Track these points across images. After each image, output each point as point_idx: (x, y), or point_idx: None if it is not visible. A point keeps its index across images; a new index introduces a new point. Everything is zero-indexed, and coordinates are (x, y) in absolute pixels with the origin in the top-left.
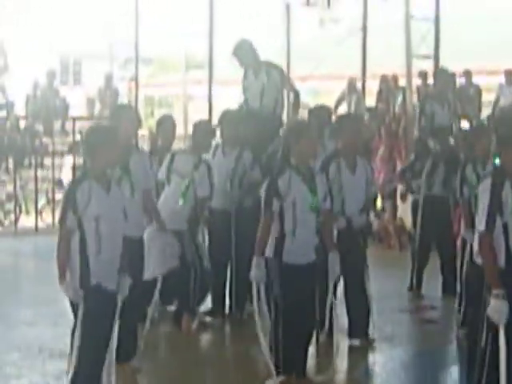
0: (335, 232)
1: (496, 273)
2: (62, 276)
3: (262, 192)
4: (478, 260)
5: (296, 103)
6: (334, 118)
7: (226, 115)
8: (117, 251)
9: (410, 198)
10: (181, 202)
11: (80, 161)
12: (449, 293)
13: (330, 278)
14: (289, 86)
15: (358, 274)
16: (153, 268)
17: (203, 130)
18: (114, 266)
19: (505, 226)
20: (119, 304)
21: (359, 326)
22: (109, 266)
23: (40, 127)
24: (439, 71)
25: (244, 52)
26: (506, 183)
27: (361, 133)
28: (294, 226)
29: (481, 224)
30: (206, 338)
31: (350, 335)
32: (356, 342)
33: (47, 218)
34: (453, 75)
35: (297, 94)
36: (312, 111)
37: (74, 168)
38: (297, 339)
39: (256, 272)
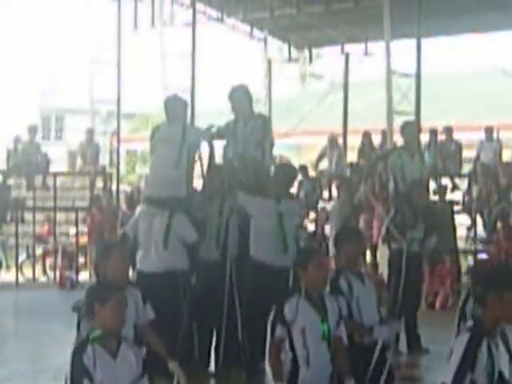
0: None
1: None
2: None
3: (270, 318)
4: None
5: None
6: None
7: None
8: None
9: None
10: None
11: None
12: (415, 349)
13: None
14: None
15: None
16: None
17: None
18: None
19: (473, 383)
20: None
21: None
22: None
23: (21, 182)
24: (405, 123)
25: (239, 98)
26: (483, 342)
27: (363, 246)
28: (306, 356)
29: (448, 377)
30: None
31: None
32: None
33: (27, 273)
34: (434, 131)
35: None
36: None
37: (76, 236)
38: None
39: None
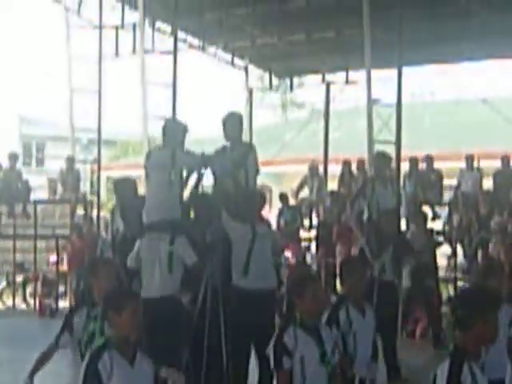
0: None
1: None
2: None
3: (270, 349)
4: None
5: None
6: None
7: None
8: None
9: None
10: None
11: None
12: (395, 379)
13: None
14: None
15: None
16: None
17: None
18: None
19: None
20: None
21: None
22: None
23: (1, 209)
24: (377, 154)
25: (232, 125)
26: (464, 366)
27: (366, 276)
28: None
29: None
30: None
31: None
32: None
33: (7, 301)
34: (415, 160)
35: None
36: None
37: (57, 264)
38: None
39: None
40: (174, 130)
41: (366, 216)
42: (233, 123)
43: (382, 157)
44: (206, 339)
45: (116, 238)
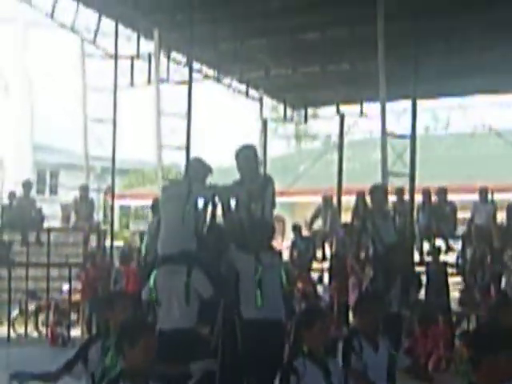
0: None
1: None
2: None
3: (279, 373)
4: None
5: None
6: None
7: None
8: None
9: None
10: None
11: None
12: None
13: None
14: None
15: None
16: None
17: None
18: None
19: None
20: None
21: None
22: None
23: (15, 237)
24: (374, 187)
25: (246, 158)
26: None
27: (382, 311)
28: None
29: None
30: None
31: None
32: None
33: (19, 329)
34: (428, 192)
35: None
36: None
37: (69, 292)
38: None
39: None
40: (197, 169)
41: (371, 251)
42: (246, 156)
43: (380, 190)
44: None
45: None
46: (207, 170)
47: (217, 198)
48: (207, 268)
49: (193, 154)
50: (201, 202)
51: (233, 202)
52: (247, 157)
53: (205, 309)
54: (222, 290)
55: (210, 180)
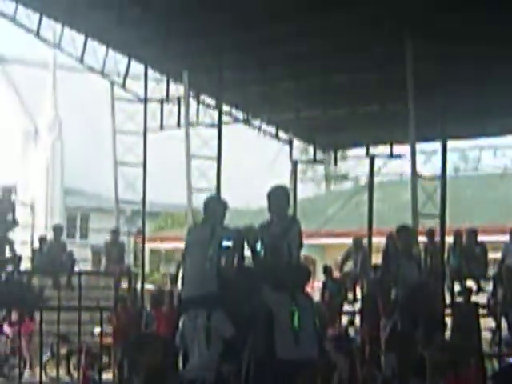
0: None
1: None
2: None
3: None
4: None
5: None
6: None
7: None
8: None
9: None
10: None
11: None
12: None
13: None
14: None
15: None
16: None
17: None
18: None
19: None
20: None
21: None
22: None
23: (46, 281)
24: (400, 228)
25: (278, 199)
26: None
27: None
28: None
29: None
30: None
31: None
32: None
33: (51, 372)
34: (459, 233)
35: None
36: None
37: (101, 335)
38: None
39: None
40: (215, 207)
41: (393, 294)
42: (278, 197)
43: (406, 230)
44: None
45: None
46: (223, 206)
47: (244, 240)
48: (231, 308)
49: (223, 196)
50: (228, 243)
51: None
52: (279, 196)
53: (228, 349)
54: (249, 329)
55: (233, 220)
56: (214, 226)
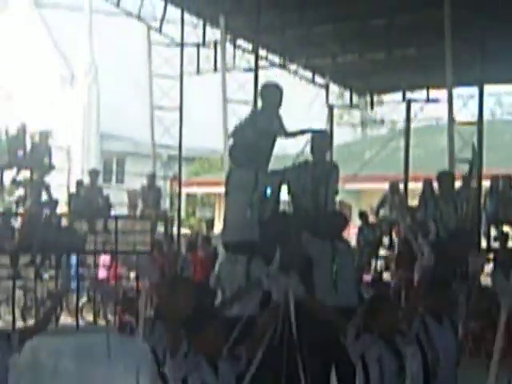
0: None
1: None
2: None
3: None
4: None
5: None
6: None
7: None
8: None
9: None
10: None
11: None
12: None
13: None
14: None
15: None
16: None
17: None
18: None
19: None
20: None
21: None
22: None
23: (82, 225)
24: (442, 174)
25: (320, 142)
26: None
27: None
28: None
29: None
30: None
31: None
32: None
33: (88, 316)
34: (496, 178)
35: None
36: None
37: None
38: None
39: None
40: (274, 95)
41: (432, 234)
42: (321, 140)
43: (448, 176)
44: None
45: None
46: (280, 94)
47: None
48: (269, 256)
49: None
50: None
51: (297, 186)
52: (322, 141)
53: (266, 297)
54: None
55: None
56: (257, 171)
